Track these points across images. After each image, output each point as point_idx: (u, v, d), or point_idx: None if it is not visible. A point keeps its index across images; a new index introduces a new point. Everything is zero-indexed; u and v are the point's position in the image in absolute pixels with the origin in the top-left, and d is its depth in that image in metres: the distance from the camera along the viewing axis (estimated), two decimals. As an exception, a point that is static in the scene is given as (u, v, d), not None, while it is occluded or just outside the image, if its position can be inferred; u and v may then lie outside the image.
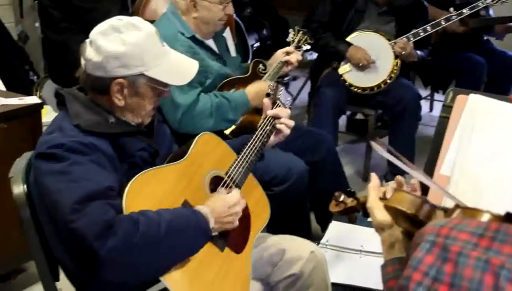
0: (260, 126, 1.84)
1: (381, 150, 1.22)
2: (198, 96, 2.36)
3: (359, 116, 4.37)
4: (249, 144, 1.77)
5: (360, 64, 3.33)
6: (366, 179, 3.62)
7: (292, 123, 1.88)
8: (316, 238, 2.24)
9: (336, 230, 1.91)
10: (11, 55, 3.70)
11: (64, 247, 1.40)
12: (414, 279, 0.86)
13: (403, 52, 3.29)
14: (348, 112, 4.27)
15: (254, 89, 2.49)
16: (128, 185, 1.39)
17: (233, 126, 2.46)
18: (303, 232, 2.53)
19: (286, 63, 2.68)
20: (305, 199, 2.58)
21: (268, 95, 1.91)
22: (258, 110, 2.49)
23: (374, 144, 1.24)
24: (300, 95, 4.71)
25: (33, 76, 3.94)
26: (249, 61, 2.96)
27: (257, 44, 4.65)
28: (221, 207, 1.52)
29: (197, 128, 2.32)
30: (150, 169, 1.48)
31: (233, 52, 2.82)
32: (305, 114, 4.14)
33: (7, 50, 3.66)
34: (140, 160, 1.54)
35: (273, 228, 1.88)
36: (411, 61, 3.38)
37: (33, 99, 2.49)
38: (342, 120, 4.05)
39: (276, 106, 1.91)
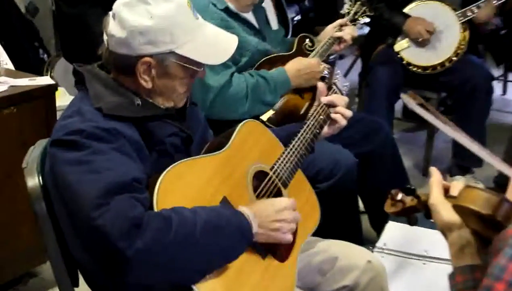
0: (312, 115, 1.82)
1: (413, 104, 1.17)
2: (231, 77, 2.36)
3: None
4: (298, 135, 1.76)
5: (420, 39, 3.28)
6: (426, 173, 3.60)
7: (349, 113, 1.86)
8: (369, 243, 2.23)
9: (395, 232, 1.90)
10: (19, 30, 3.75)
11: (84, 245, 1.41)
12: (497, 290, 0.85)
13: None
14: (405, 96, 4.22)
15: (295, 66, 2.47)
16: (160, 178, 1.38)
17: (271, 112, 2.46)
18: (353, 234, 2.52)
19: (338, 39, 2.64)
20: (354, 196, 2.57)
21: (323, 79, 1.89)
22: (299, 91, 2.48)
23: (405, 97, 1.18)
24: (348, 77, 4.69)
25: (43, 55, 3.98)
26: (288, 36, 2.94)
27: (298, 17, 4.63)
28: (267, 210, 1.49)
29: (231, 112, 2.34)
30: (185, 159, 1.48)
31: (274, 25, 2.79)
32: (355, 99, 4.12)
33: (14, 24, 3.71)
34: (171, 147, 1.54)
35: (318, 230, 1.87)
36: (484, 30, 3.30)
37: (46, 80, 2.53)
38: (398, 105, 4.01)
39: (332, 92, 1.90)
